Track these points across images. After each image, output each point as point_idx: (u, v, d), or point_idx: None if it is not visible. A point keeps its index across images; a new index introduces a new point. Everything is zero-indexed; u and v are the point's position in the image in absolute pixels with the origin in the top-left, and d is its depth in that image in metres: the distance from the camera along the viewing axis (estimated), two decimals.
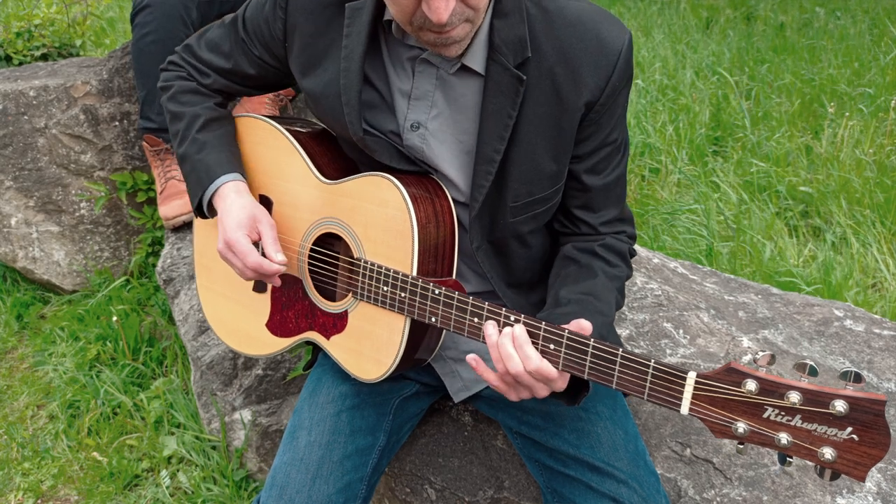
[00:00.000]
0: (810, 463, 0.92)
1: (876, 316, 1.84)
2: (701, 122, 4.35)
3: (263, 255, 1.31)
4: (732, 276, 2.09)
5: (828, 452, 0.90)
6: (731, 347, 1.70)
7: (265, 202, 1.45)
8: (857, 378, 0.88)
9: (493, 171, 1.19)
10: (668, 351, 1.70)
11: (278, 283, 1.34)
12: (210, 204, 1.38)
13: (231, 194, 1.34)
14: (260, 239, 1.32)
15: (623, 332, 1.77)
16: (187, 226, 2.49)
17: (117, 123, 2.79)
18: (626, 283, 1.95)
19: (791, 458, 0.95)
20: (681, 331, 1.77)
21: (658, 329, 1.77)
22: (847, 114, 4.15)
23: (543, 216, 1.29)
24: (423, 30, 1.08)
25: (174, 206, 2.44)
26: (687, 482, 1.44)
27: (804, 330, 1.78)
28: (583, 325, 1.07)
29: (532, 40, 1.15)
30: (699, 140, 4.15)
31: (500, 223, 1.26)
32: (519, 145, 1.19)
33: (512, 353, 1.07)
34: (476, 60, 1.18)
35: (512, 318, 1.10)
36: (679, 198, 3.64)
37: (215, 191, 1.36)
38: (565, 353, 1.07)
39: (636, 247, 2.16)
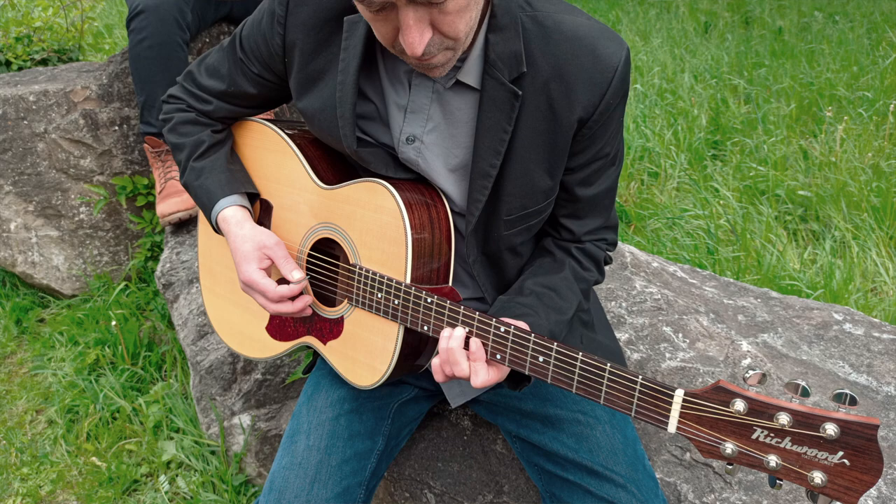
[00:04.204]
0: (801, 487, 0.91)
1: (875, 319, 1.84)
2: (699, 126, 4.35)
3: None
4: (732, 280, 2.09)
5: (818, 477, 0.88)
6: (731, 351, 1.70)
7: (266, 206, 1.45)
8: (852, 401, 0.86)
9: (488, 185, 1.19)
10: (668, 355, 1.70)
11: (308, 312, 1.35)
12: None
13: (232, 228, 1.36)
14: (273, 263, 1.33)
15: (622, 335, 1.77)
16: (187, 230, 2.49)
17: (117, 128, 2.79)
18: (626, 287, 1.95)
19: (781, 480, 0.93)
20: (680, 335, 1.77)
21: (657, 333, 1.77)
22: (846, 118, 4.16)
23: (536, 227, 1.30)
24: (405, 54, 1.08)
25: (171, 203, 2.44)
26: (686, 486, 1.43)
27: (803, 334, 1.78)
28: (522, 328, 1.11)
29: (527, 55, 1.14)
30: (698, 144, 4.16)
31: (494, 236, 1.26)
32: (514, 160, 1.19)
33: (460, 360, 1.11)
34: (471, 76, 1.17)
35: (502, 328, 1.10)
36: (678, 202, 3.64)
37: (217, 218, 1.38)
38: (554, 367, 1.07)
39: (634, 250, 2.16)
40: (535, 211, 1.25)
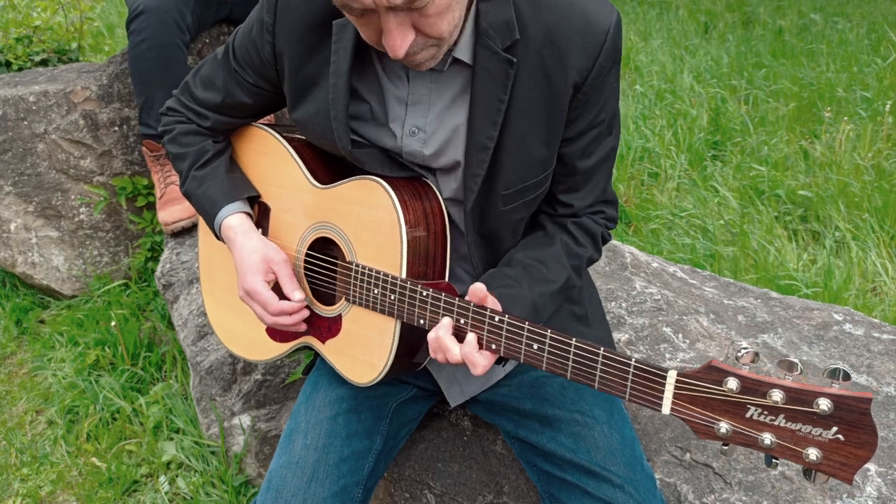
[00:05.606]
0: (797, 465, 0.90)
1: (875, 320, 1.84)
2: (700, 127, 4.35)
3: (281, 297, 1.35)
4: (732, 280, 2.09)
5: (813, 453, 0.87)
6: (731, 352, 1.70)
7: (264, 209, 1.45)
8: (846, 376, 0.85)
9: (486, 158, 1.18)
10: (668, 355, 1.70)
11: (303, 327, 1.37)
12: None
13: (238, 237, 1.36)
14: (276, 278, 1.34)
15: (622, 336, 1.77)
16: (187, 231, 2.49)
17: (117, 129, 2.79)
18: (626, 287, 1.95)
19: (777, 459, 0.92)
20: (680, 335, 1.77)
21: (657, 333, 1.77)
22: (846, 118, 4.16)
23: (534, 202, 1.28)
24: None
25: (173, 211, 2.44)
26: (686, 487, 1.43)
27: (803, 334, 1.78)
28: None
29: (519, 23, 1.13)
30: (698, 144, 4.16)
31: (493, 213, 1.25)
32: (510, 131, 1.18)
33: (451, 346, 1.12)
34: (465, 50, 1.16)
35: (497, 318, 1.10)
36: (678, 202, 3.64)
37: (220, 225, 1.39)
38: (548, 354, 1.07)
39: (634, 250, 2.16)
40: (533, 184, 1.23)
